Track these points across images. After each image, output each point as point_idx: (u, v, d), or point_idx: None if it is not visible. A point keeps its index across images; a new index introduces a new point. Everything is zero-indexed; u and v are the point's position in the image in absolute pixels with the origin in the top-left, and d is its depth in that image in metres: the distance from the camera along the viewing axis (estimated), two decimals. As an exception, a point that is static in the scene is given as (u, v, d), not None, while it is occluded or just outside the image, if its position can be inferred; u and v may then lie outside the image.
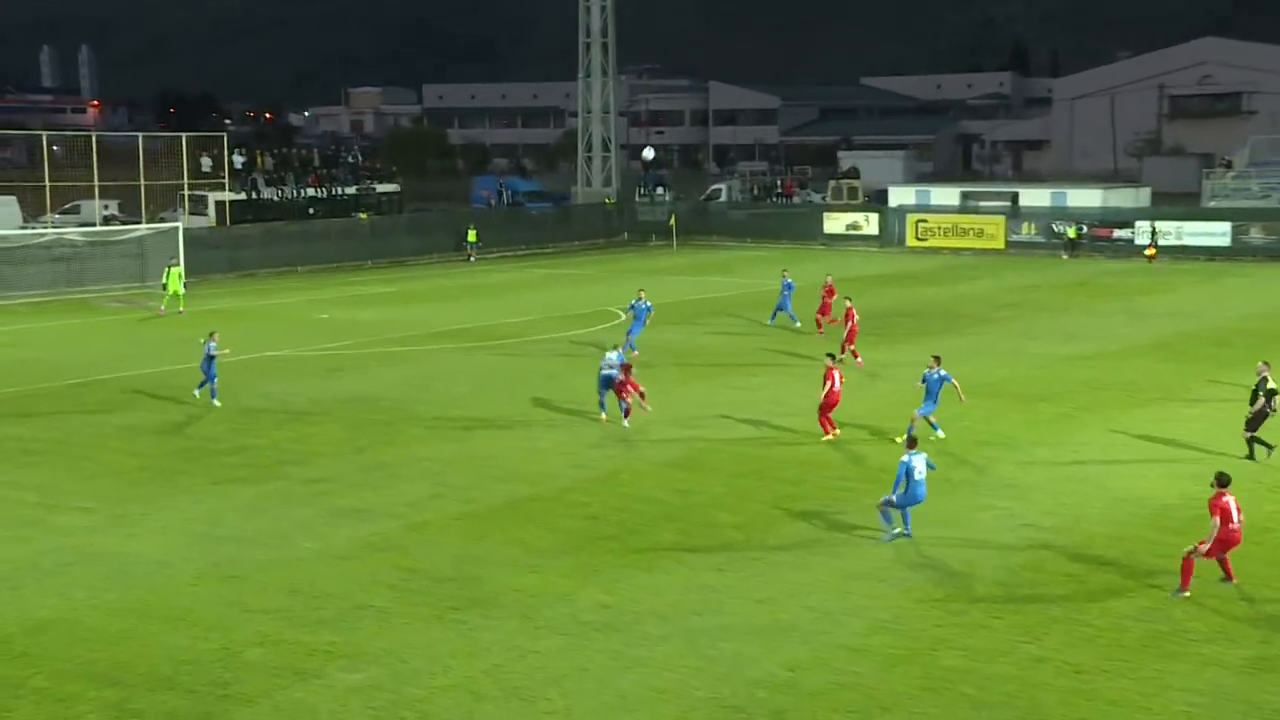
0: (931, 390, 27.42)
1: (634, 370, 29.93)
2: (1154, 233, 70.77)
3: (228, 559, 20.59)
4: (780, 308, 45.89)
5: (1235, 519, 18.45)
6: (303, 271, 67.74)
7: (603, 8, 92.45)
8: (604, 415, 30.00)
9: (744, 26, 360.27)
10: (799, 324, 44.52)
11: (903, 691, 15.38)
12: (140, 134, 74.05)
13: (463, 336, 44.87)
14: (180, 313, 50.37)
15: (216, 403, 32.48)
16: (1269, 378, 26.03)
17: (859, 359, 37.65)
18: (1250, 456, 25.88)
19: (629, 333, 41.89)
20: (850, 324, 37.97)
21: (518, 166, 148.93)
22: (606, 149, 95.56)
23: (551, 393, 34.72)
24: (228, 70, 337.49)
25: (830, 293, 43.59)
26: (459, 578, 19.70)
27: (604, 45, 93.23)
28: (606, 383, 29.26)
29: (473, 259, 75.00)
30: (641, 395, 29.39)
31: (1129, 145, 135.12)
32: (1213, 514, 18.49)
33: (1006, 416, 30.87)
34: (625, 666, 16.25)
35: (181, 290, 51.79)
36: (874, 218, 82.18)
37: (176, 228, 59.22)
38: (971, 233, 78.28)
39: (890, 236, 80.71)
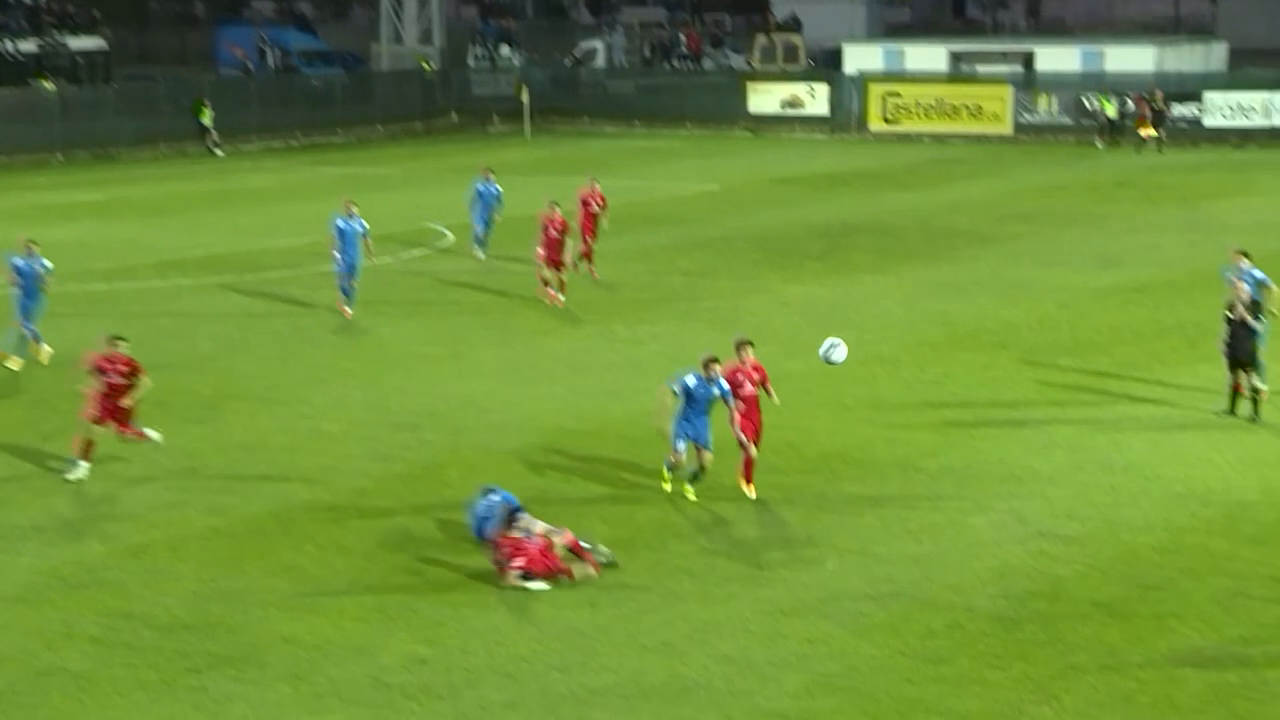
0: (698, 401, 24.02)
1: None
2: (1152, 100, 71.96)
3: None
4: (481, 223, 45.04)
5: None
6: (-44, 169, 66.52)
7: None
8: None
9: None
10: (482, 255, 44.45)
11: (858, 776, 15.69)
12: None
13: (208, 268, 44.41)
14: None
15: None
16: None
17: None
18: None
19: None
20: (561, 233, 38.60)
21: (290, 13, 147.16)
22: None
23: (343, 351, 34.58)
24: None
25: (589, 205, 42.35)
26: (200, 625, 19.56)
27: None
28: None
29: (219, 151, 74.10)
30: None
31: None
32: None
33: (1013, 378, 31.47)
34: (451, 750, 16.34)
35: None
36: (822, 90, 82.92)
37: None
38: (965, 111, 79.45)
39: (845, 117, 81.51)
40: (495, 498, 21.90)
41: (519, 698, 17.51)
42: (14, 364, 32.32)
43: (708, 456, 23.85)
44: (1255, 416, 27.86)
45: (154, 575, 21.31)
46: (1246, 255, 29.60)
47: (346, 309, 37.07)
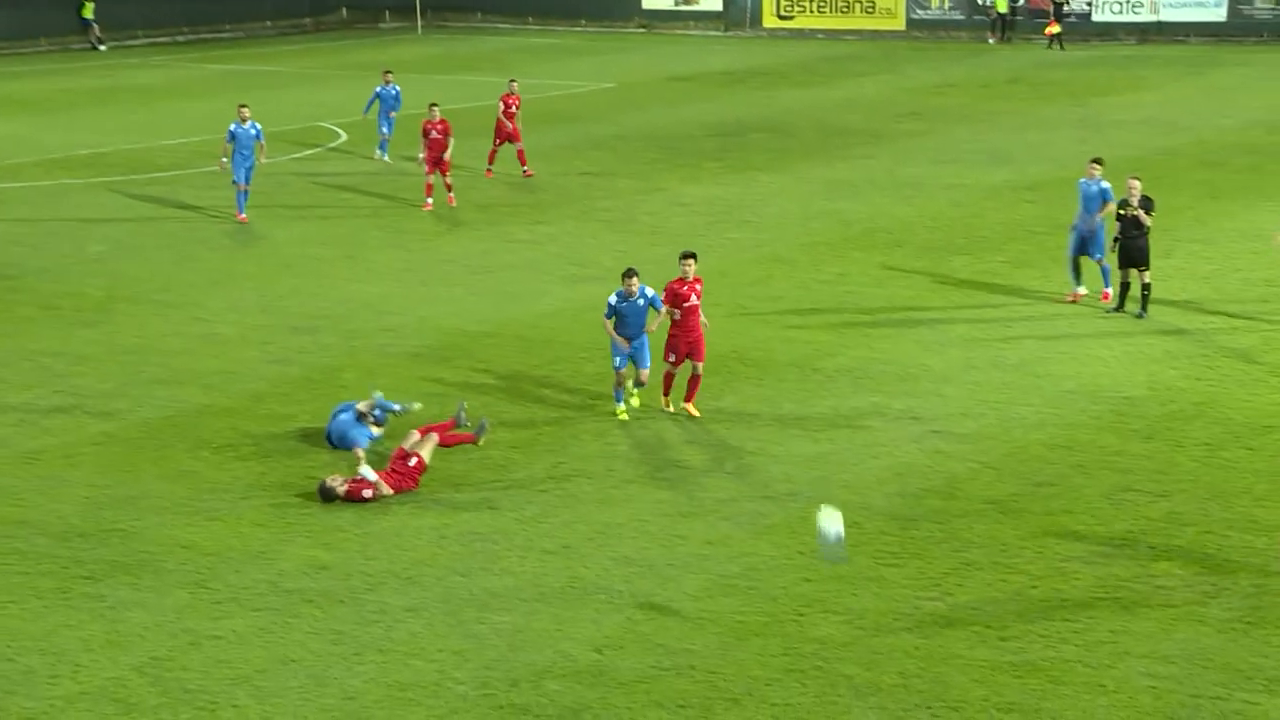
0: (627, 317, 23.38)
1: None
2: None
3: None
4: (385, 126, 44.99)
5: None
6: None
7: None
8: None
9: None
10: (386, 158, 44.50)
11: (757, 675, 15.84)
12: None
13: (94, 168, 43.82)
14: None
15: None
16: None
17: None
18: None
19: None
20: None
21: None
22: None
23: (236, 254, 34.31)
24: None
25: (509, 108, 42.59)
26: (95, 532, 19.49)
27: None
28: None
29: (102, 47, 72.83)
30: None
31: None
32: None
33: (908, 277, 31.71)
34: (354, 654, 16.36)
35: None
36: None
37: None
38: (859, 7, 79.46)
39: (740, 14, 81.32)
40: (345, 416, 22.08)
41: (420, 601, 17.57)
42: None
43: (644, 374, 23.55)
44: (1143, 314, 28.24)
45: (47, 482, 21.17)
46: (1100, 163, 29.75)
47: (242, 215, 36.65)
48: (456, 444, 21.51)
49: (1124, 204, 28.25)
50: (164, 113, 54.25)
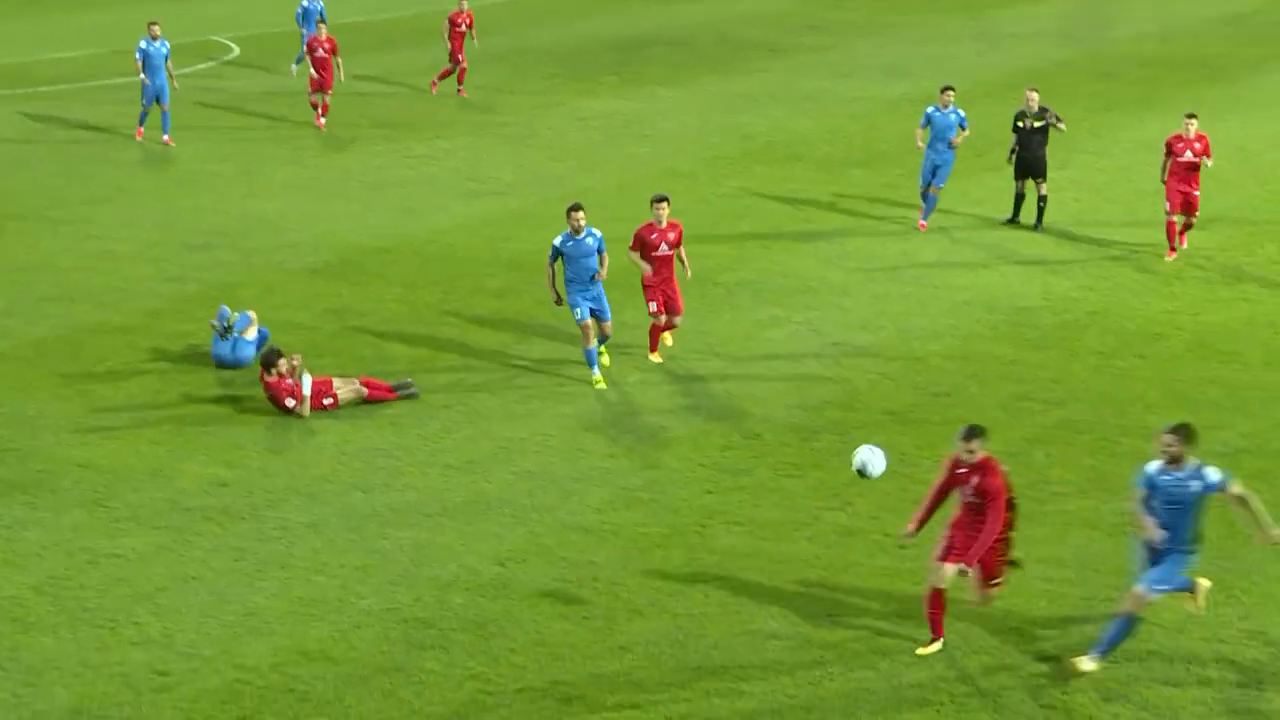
0: (576, 259, 21.51)
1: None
2: None
3: None
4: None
5: None
6: None
7: None
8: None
9: None
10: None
11: (659, 586, 15.97)
12: None
13: (-18, 83, 43.07)
14: None
15: None
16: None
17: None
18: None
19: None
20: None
21: None
22: None
23: (129, 170, 33.91)
24: None
25: (457, 25, 41.42)
26: (-8, 452, 19.35)
27: None
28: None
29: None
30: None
31: None
32: None
33: (807, 190, 31.79)
34: (255, 570, 16.37)
35: None
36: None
37: None
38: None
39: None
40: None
41: (321, 517, 17.55)
42: None
43: (608, 327, 21.74)
44: (1039, 225, 28.49)
45: (-59, 402, 20.96)
46: (952, 89, 29.53)
47: (142, 130, 36.00)
48: (378, 400, 20.98)
49: (1021, 115, 28.42)
50: (49, 24, 53.24)
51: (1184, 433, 14.15)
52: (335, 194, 31.60)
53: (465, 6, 41.46)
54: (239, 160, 34.45)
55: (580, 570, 16.33)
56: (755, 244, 28.07)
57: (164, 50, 35.69)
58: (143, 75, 35.48)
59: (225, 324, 22.23)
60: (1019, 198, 28.71)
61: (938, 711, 13.80)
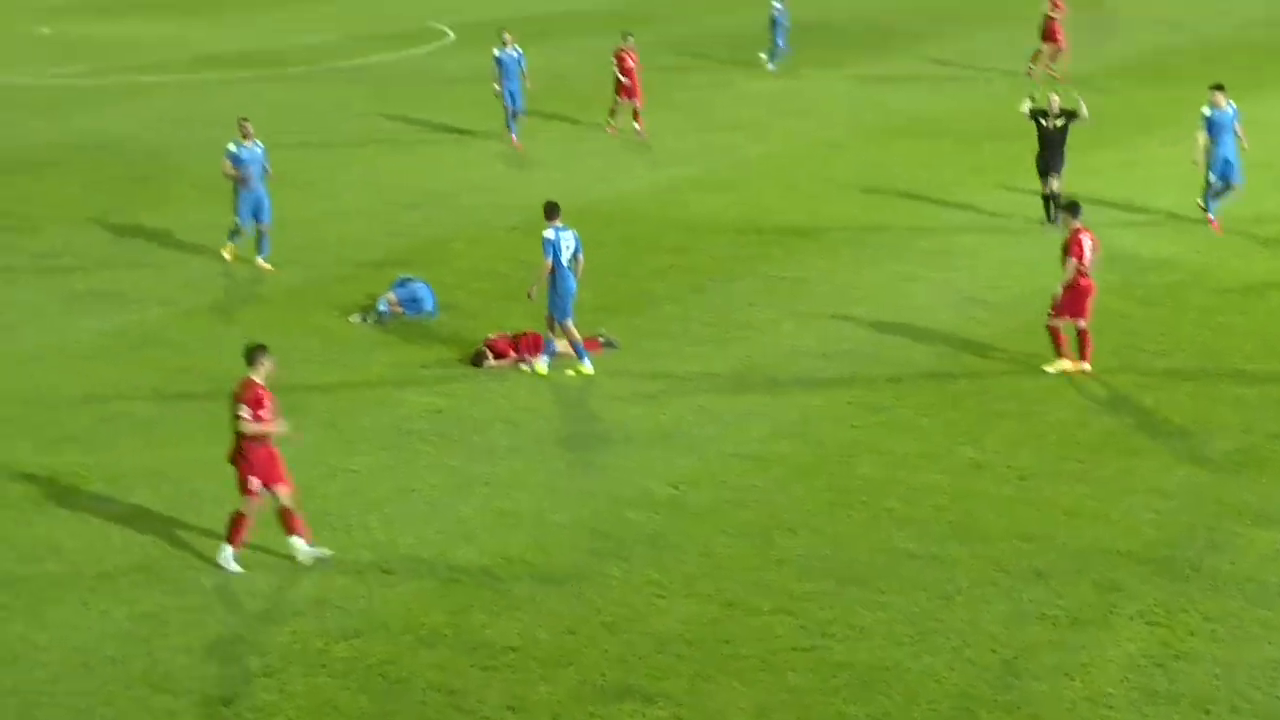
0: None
1: None
2: None
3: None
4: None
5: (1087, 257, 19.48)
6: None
7: None
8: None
9: None
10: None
11: (810, 508, 16.02)
12: None
13: (239, 63, 43.72)
14: None
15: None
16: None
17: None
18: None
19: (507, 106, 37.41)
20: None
21: None
22: None
23: (364, 143, 34.22)
24: None
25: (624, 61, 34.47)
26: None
27: None
28: None
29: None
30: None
31: None
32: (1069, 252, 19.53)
33: (946, 162, 31.36)
34: (463, 486, 16.63)
35: None
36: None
37: None
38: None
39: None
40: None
41: (521, 442, 17.80)
42: None
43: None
44: (1054, 218, 25.68)
45: (203, 337, 21.51)
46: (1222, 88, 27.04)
47: (514, 136, 33.31)
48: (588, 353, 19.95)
49: (1044, 115, 26.17)
50: (297, 12, 53.82)
51: None
52: (538, 163, 31.75)
53: (631, 44, 34.69)
54: (451, 133, 34.56)
55: (742, 493, 16.41)
56: (897, 208, 27.79)
57: (515, 54, 33.03)
58: (497, 84, 32.90)
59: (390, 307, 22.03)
60: (1046, 198, 26.25)
61: (1054, 625, 13.71)
